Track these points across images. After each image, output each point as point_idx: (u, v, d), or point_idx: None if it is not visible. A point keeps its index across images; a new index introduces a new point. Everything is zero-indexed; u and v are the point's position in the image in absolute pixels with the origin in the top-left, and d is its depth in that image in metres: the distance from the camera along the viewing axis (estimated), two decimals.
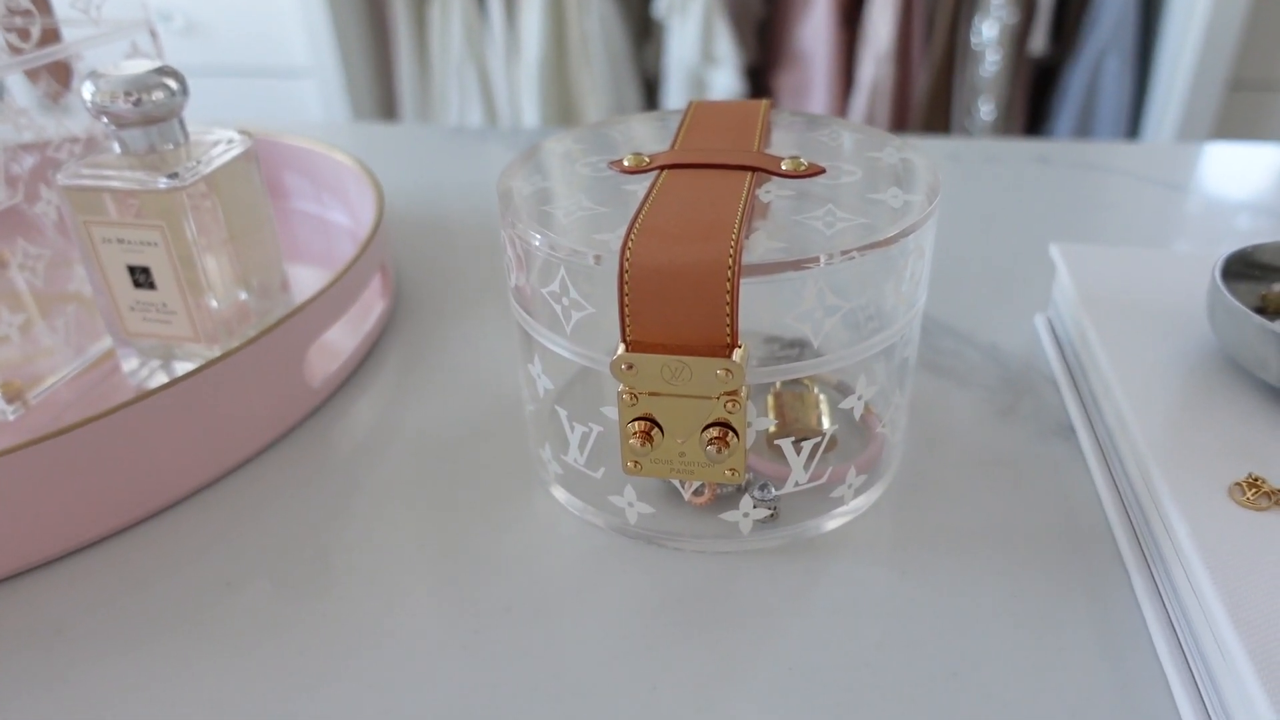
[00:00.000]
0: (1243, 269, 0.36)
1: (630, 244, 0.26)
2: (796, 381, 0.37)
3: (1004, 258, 0.51)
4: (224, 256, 0.39)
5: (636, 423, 0.28)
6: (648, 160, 0.32)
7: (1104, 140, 1.46)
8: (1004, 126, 1.55)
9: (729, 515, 0.31)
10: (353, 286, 0.41)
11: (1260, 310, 0.35)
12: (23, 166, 0.43)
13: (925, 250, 0.30)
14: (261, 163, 0.45)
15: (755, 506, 0.31)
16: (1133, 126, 1.52)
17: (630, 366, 0.27)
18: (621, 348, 0.27)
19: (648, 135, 0.36)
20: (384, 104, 1.79)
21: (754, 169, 0.31)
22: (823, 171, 0.31)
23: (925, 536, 0.32)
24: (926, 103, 1.56)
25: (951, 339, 0.43)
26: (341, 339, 0.43)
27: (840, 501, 0.32)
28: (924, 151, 0.33)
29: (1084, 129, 1.51)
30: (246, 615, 0.30)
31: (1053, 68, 1.55)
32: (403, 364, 0.43)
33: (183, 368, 0.40)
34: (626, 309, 0.26)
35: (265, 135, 0.57)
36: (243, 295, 0.40)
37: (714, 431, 0.28)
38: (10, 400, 0.38)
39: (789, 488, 0.30)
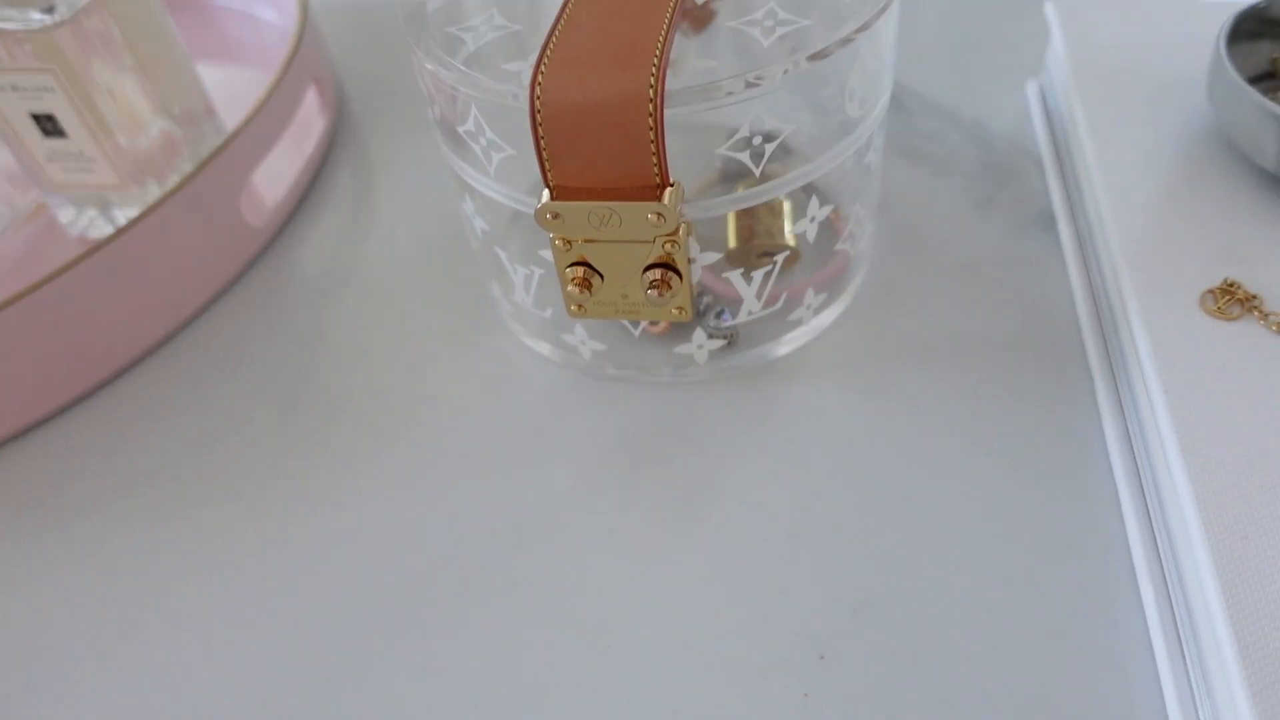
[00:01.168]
0: (1258, 26, 0.32)
1: (540, 78, 0.23)
2: None
3: (997, 12, 0.46)
4: (132, 90, 0.36)
5: (574, 268, 0.27)
6: None
7: None
8: None
9: (683, 349, 0.30)
10: (282, 108, 0.38)
11: (1270, 76, 0.31)
12: None
13: (883, 50, 0.27)
14: None
15: (710, 337, 0.30)
16: None
17: (555, 215, 0.25)
18: (546, 194, 0.25)
19: None
20: None
21: None
22: None
23: (888, 352, 0.31)
24: None
25: (936, 118, 0.40)
26: (282, 165, 0.40)
27: (800, 322, 0.31)
28: None
29: None
30: (215, 469, 0.30)
31: None
32: (349, 194, 0.41)
33: (121, 213, 0.38)
34: (544, 152, 0.24)
35: None
36: (165, 125, 0.38)
37: (654, 274, 0.26)
38: None
39: (743, 316, 0.29)
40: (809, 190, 0.28)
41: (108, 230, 0.38)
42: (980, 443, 0.28)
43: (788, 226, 0.33)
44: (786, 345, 0.31)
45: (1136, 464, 0.26)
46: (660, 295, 0.26)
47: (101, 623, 0.27)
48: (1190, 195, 0.29)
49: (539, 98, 0.23)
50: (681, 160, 0.25)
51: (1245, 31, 0.31)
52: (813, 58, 0.24)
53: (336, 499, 0.29)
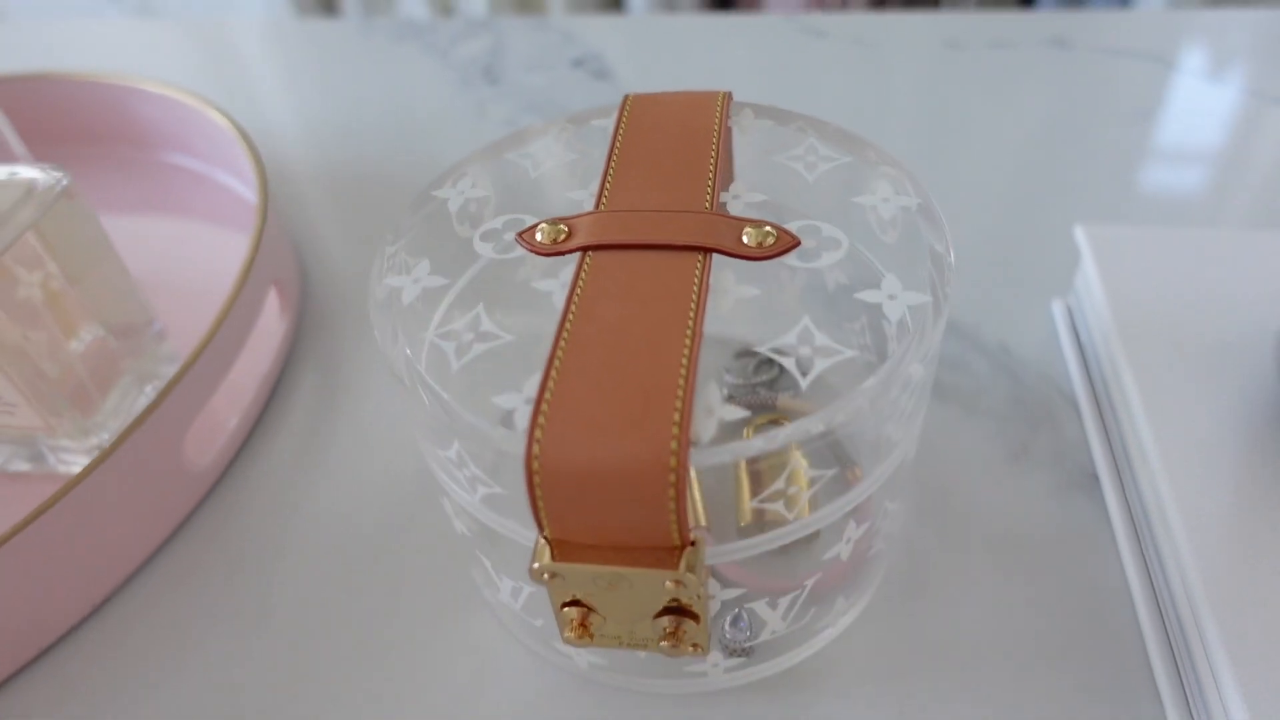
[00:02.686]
0: None
1: (538, 434, 0.19)
2: (775, 422, 0.32)
3: (1020, 228, 0.43)
4: (65, 316, 0.32)
5: (570, 608, 0.23)
6: (565, 231, 0.24)
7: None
8: None
9: (695, 667, 0.26)
10: (232, 339, 0.34)
11: None
12: None
13: (926, 385, 0.23)
14: (132, 112, 0.37)
15: (727, 656, 0.26)
16: None
17: (554, 575, 0.21)
18: (544, 549, 0.21)
19: (567, 168, 0.28)
20: None
21: (705, 249, 0.23)
22: (796, 245, 0.24)
23: (920, 653, 0.27)
24: None
25: (956, 341, 0.36)
26: (232, 396, 0.35)
27: (825, 627, 0.27)
28: (921, 186, 0.26)
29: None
30: None
31: None
32: (310, 412, 0.36)
33: (48, 453, 0.34)
34: (541, 511, 0.20)
35: (125, 80, 0.47)
36: (101, 334, 0.33)
37: (666, 622, 0.22)
38: None
39: (765, 635, 0.26)
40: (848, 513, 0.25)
41: (24, 469, 0.34)
42: None
43: (805, 495, 0.29)
44: (808, 650, 0.28)
45: None
46: (674, 646, 0.22)
47: None
48: (1269, 483, 0.26)
49: (536, 457, 0.19)
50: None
51: None
52: (850, 416, 0.21)
53: None
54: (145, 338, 0.36)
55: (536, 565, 0.21)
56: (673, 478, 0.19)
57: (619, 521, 0.20)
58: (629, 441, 0.19)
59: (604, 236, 0.24)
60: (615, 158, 0.27)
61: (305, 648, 0.29)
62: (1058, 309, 0.37)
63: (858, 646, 0.28)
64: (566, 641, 0.24)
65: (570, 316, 0.22)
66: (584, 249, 0.24)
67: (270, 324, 0.38)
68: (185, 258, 0.43)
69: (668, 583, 0.20)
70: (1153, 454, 0.28)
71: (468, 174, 0.28)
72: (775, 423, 0.31)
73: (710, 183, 0.25)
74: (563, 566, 0.21)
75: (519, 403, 0.20)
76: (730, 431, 0.20)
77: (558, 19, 0.61)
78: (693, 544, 0.20)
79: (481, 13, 1.35)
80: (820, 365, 0.21)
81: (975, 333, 0.37)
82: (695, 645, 0.23)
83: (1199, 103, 0.48)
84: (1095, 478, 0.31)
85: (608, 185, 0.26)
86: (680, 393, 0.20)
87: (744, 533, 0.28)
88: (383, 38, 0.62)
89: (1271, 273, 0.32)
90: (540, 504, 0.20)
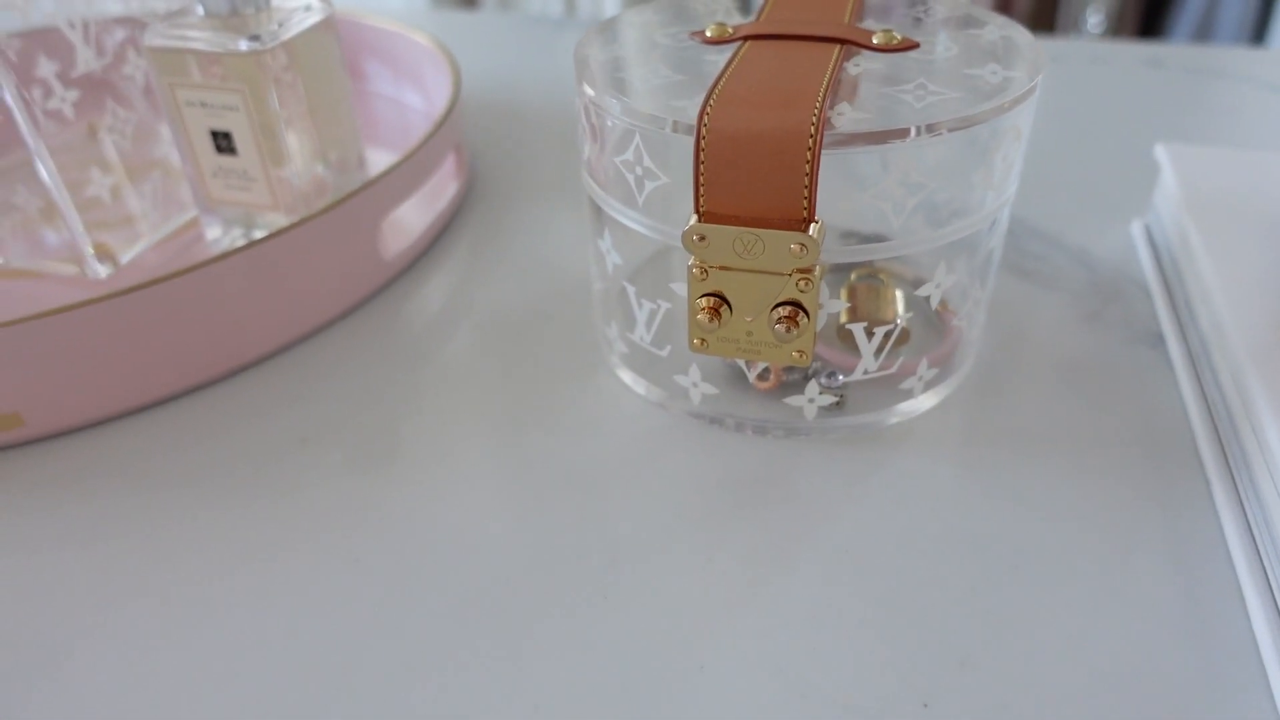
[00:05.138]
0: None
1: (709, 109, 0.25)
2: (873, 275, 0.36)
3: (1104, 162, 0.48)
4: (302, 129, 0.39)
5: (706, 298, 0.28)
6: (731, 30, 0.31)
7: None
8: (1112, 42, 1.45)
9: (794, 400, 0.30)
10: (425, 163, 0.41)
11: None
12: (114, 39, 0.43)
13: (1022, 132, 0.28)
14: (341, 42, 0.44)
15: (821, 392, 0.30)
16: (1258, 37, 1.40)
17: (702, 238, 0.26)
18: (694, 218, 0.26)
19: (732, 6, 0.34)
20: None
21: (843, 40, 0.29)
22: (916, 46, 0.30)
23: (994, 436, 0.31)
24: (1030, 14, 1.46)
25: (1039, 242, 0.41)
26: (415, 216, 0.43)
27: (909, 394, 0.31)
28: (1026, 31, 0.31)
29: (1202, 42, 1.40)
30: (313, 474, 0.31)
31: None
32: (474, 244, 0.43)
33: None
34: (702, 177, 0.26)
35: (344, 15, 0.57)
36: (320, 169, 0.41)
37: (784, 310, 0.27)
38: (102, 260, 0.39)
39: (857, 375, 0.30)
40: (941, 255, 0.29)
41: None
42: (1090, 525, 0.28)
43: (900, 307, 0.34)
44: (894, 416, 0.32)
45: (1262, 562, 0.25)
46: (787, 331, 0.27)
47: (120, 607, 0.27)
48: None
49: (705, 126, 0.25)
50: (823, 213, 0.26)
51: None
52: (966, 122, 0.26)
53: (425, 506, 0.29)
54: (354, 176, 0.43)
55: (689, 227, 0.26)
56: (810, 143, 0.24)
57: (762, 190, 0.25)
58: (779, 115, 0.25)
59: (762, 29, 0.30)
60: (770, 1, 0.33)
61: (459, 404, 0.34)
62: (1137, 227, 0.41)
63: (937, 422, 0.32)
64: (693, 349, 0.29)
65: (736, 59, 0.28)
66: (746, 38, 0.30)
67: (447, 179, 0.46)
68: (375, 141, 0.52)
69: (794, 245, 0.25)
70: (1217, 292, 0.31)
71: (645, 7, 0.35)
72: (873, 275, 0.36)
73: (848, 12, 0.31)
74: (711, 228, 0.26)
75: (689, 104, 0.26)
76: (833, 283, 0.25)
77: None
78: (816, 221, 0.26)
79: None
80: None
81: (1058, 238, 0.41)
82: (800, 352, 0.28)
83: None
84: (1160, 336, 0.35)
85: (766, 10, 0.32)
86: (820, 97, 0.25)
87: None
88: (517, 26, 0.71)
89: None
90: (702, 170, 0.25)
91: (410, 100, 0.57)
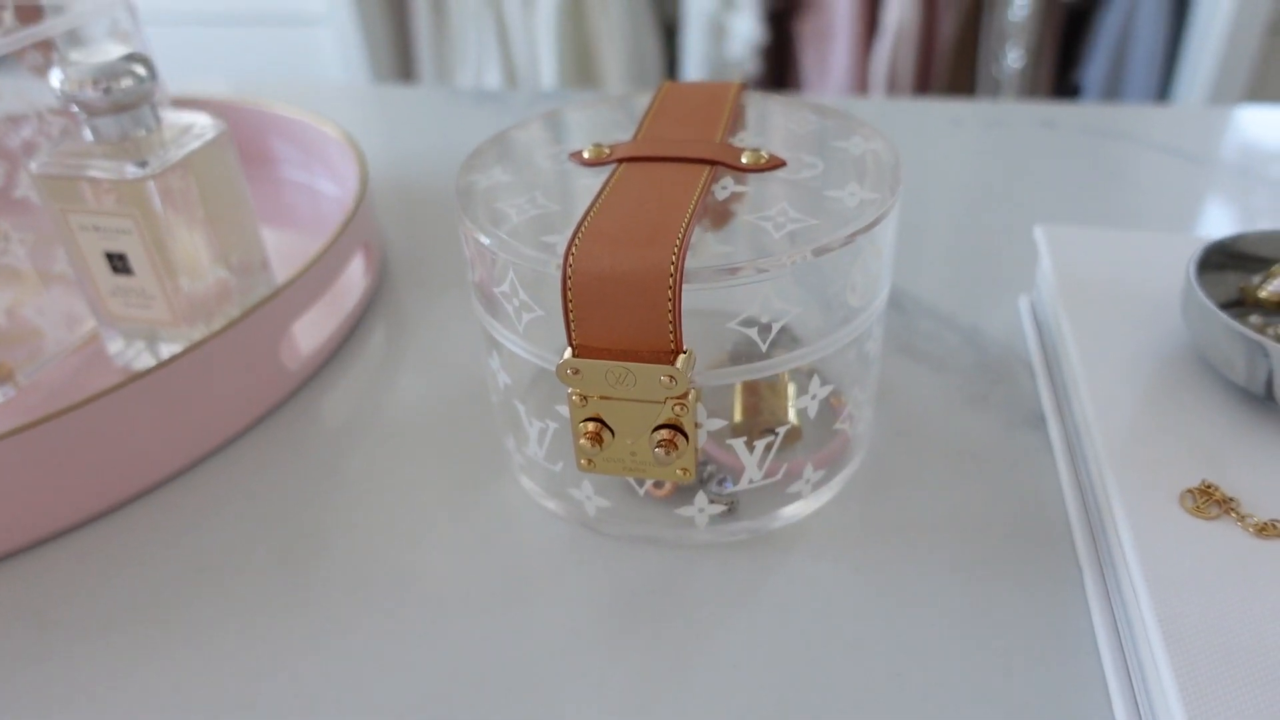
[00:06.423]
0: (1225, 260, 0.35)
1: (574, 249, 0.26)
2: None
3: (996, 233, 0.50)
4: (200, 237, 0.39)
5: (587, 424, 0.28)
6: (607, 151, 0.32)
7: (1135, 93, 1.41)
8: (1032, 74, 1.50)
9: (684, 510, 0.31)
10: (331, 267, 0.42)
11: (1238, 304, 0.34)
12: (17, 137, 0.43)
13: (882, 250, 0.30)
14: (250, 130, 0.44)
15: (711, 502, 0.31)
16: (1167, 73, 1.46)
17: (576, 371, 0.27)
18: (568, 351, 0.27)
19: (615, 123, 0.35)
20: (400, 52, 1.77)
21: (713, 162, 0.30)
22: (783, 164, 0.31)
23: (883, 531, 0.32)
24: (953, 49, 1.51)
25: (932, 321, 0.42)
26: (323, 319, 0.43)
27: (798, 496, 0.32)
28: (891, 143, 0.33)
29: (1116, 76, 1.46)
30: (221, 597, 0.31)
31: (1084, 11, 1.49)
32: (384, 344, 0.43)
33: (167, 348, 0.41)
34: (571, 314, 0.26)
35: (254, 104, 0.57)
36: (222, 273, 0.41)
37: (663, 434, 0.28)
38: (0, 382, 0.39)
39: (744, 484, 0.31)
40: (810, 372, 0.30)
41: (151, 363, 0.40)
42: (971, 627, 0.29)
43: (791, 407, 0.35)
44: (783, 519, 0.33)
45: (1124, 654, 0.26)
46: (667, 454, 0.28)
47: None
48: (1169, 404, 0.31)
49: (571, 265, 0.26)
50: (696, 339, 0.27)
51: (1213, 263, 0.34)
52: (818, 251, 0.27)
53: (331, 634, 0.29)
54: (257, 278, 0.44)
55: (563, 360, 0.27)
56: (671, 281, 0.25)
57: (629, 325, 0.26)
58: (642, 253, 0.26)
59: (636, 151, 0.31)
60: (652, 111, 0.34)
61: (365, 507, 0.34)
62: (1023, 303, 0.43)
63: (827, 521, 0.33)
64: (580, 469, 0.30)
65: (606, 188, 0.29)
66: (620, 160, 0.31)
67: (355, 279, 0.46)
68: (289, 227, 0.52)
69: (663, 377, 0.26)
70: (1083, 384, 0.33)
71: (533, 123, 0.35)
72: None
73: (722, 127, 0.33)
74: (584, 362, 0.27)
75: (559, 240, 0.27)
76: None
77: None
78: (685, 352, 0.26)
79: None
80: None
81: (950, 317, 0.43)
82: (684, 469, 0.29)
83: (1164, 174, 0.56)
84: (1042, 417, 0.36)
85: (643, 127, 0.33)
86: (682, 230, 0.26)
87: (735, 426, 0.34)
88: (452, 102, 0.72)
89: (1182, 259, 0.38)
90: (571, 307, 0.26)
91: (323, 186, 0.57)
